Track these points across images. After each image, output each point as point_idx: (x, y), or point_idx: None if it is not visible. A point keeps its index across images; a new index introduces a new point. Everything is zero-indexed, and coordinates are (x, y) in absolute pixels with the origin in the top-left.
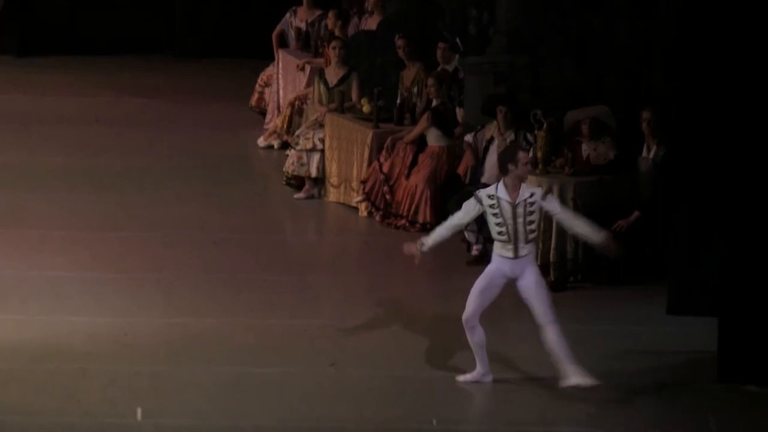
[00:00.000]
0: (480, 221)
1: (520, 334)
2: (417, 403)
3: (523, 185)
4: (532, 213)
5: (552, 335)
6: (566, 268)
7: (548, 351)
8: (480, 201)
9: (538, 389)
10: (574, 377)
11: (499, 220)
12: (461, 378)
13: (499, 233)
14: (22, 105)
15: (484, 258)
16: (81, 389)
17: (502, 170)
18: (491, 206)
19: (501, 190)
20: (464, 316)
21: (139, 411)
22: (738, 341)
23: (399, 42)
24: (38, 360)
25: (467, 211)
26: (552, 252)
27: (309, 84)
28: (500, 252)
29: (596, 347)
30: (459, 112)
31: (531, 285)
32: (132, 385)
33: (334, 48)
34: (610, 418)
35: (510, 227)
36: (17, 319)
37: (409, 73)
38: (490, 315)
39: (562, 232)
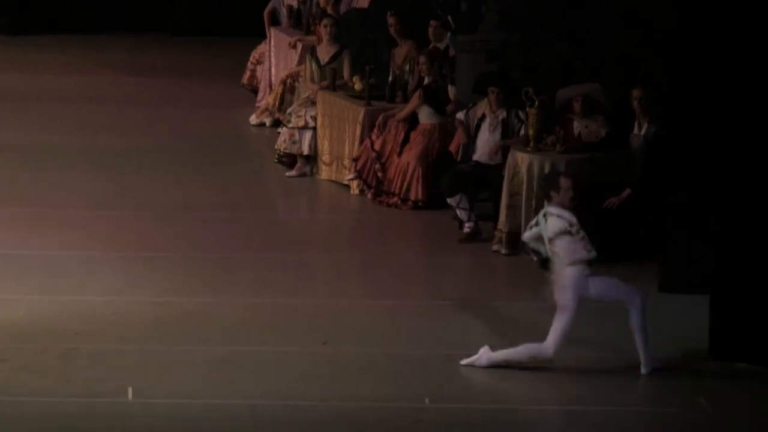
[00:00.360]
0: (471, 198)
1: (513, 316)
2: (411, 381)
3: None
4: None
5: (635, 317)
6: None
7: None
8: (570, 222)
9: (531, 369)
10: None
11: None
12: (465, 361)
13: (586, 244)
14: (17, 83)
15: (476, 236)
16: (70, 369)
17: (546, 197)
18: (575, 227)
19: (563, 212)
20: (552, 353)
21: (129, 390)
22: (729, 319)
23: (390, 20)
24: (27, 339)
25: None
26: None
27: (301, 62)
28: (585, 259)
29: (587, 325)
30: (451, 90)
31: (604, 281)
32: (122, 364)
33: (325, 26)
34: (602, 395)
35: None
36: (7, 298)
37: (401, 50)
38: (483, 297)
39: None
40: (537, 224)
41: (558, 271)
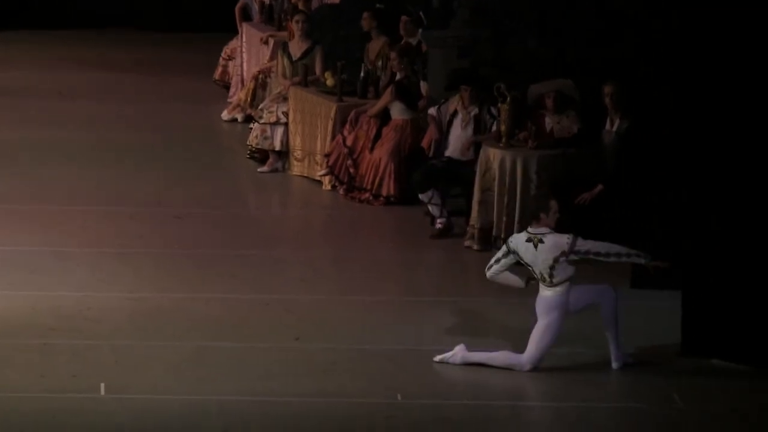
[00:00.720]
0: (443, 194)
1: (485, 312)
2: (383, 377)
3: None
4: None
5: (606, 313)
6: None
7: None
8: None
9: None
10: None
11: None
12: (438, 358)
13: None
14: None
15: (448, 231)
16: (44, 364)
17: (534, 217)
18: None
19: (554, 231)
20: (527, 369)
21: (102, 386)
22: (701, 315)
23: (365, 15)
24: (2, 335)
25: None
26: (516, 226)
27: (273, 57)
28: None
29: None
30: (423, 86)
31: (577, 291)
32: (97, 360)
33: (297, 21)
34: (574, 391)
35: None
36: None
37: (375, 45)
38: (455, 293)
39: (525, 205)
40: (507, 254)
41: (543, 289)
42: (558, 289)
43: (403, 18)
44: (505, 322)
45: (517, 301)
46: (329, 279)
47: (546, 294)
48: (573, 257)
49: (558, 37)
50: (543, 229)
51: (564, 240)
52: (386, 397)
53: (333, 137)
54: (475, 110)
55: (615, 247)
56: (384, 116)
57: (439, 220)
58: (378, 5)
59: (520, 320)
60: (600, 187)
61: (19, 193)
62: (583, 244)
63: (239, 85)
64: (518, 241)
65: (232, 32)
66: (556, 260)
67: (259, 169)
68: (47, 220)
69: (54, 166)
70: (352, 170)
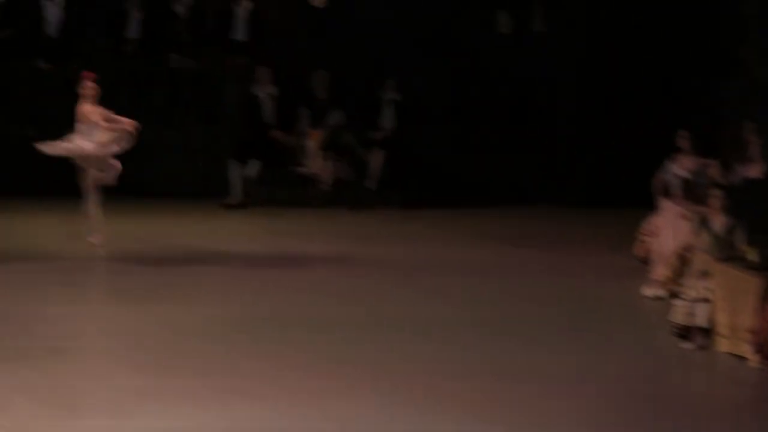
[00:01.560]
0: None
1: None
2: None
3: None
4: None
5: None
6: None
7: None
8: None
9: None
10: None
11: None
12: None
13: None
14: (400, 254)
15: None
16: None
17: None
18: None
19: None
20: None
21: None
22: None
23: None
24: None
25: None
26: None
27: (695, 233)
28: None
29: None
30: None
31: None
32: None
33: (718, 196)
34: None
35: None
36: None
37: None
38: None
39: None
40: None
41: None
42: None
43: None
44: None
45: None
46: None
47: None
48: None
49: None
50: None
51: None
52: None
53: (759, 313)
54: None
55: None
56: None
57: None
58: None
59: None
60: None
61: (443, 368)
62: None
63: (661, 261)
64: None
65: (653, 208)
66: None
67: (684, 346)
68: (467, 399)
69: (471, 341)
70: None
